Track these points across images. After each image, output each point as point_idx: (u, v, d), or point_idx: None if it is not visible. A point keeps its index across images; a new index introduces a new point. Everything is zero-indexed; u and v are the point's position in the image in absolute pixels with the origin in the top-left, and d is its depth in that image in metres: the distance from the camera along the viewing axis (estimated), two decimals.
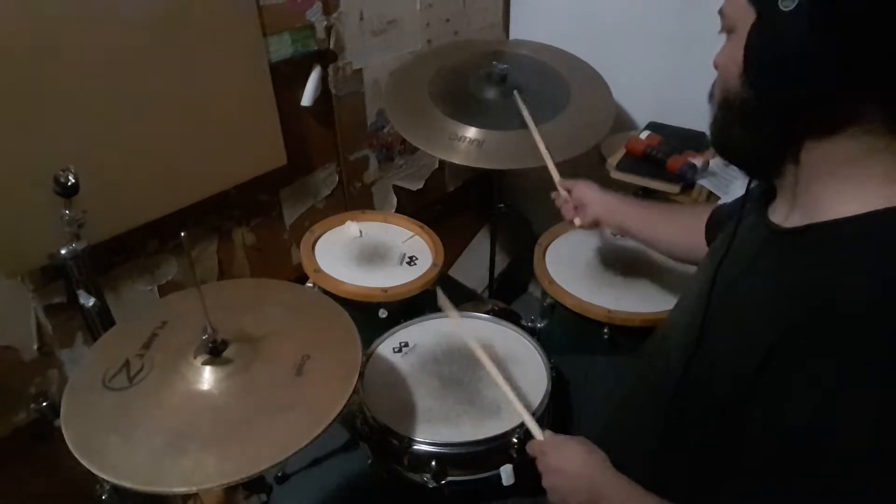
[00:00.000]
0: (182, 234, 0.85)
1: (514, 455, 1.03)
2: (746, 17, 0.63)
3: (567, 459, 0.86)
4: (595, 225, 1.25)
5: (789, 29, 0.58)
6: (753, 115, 0.66)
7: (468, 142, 1.47)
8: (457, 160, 1.47)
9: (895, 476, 0.53)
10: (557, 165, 1.35)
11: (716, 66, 0.70)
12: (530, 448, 0.93)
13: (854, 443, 0.55)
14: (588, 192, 1.24)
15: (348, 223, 1.58)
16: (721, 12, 0.67)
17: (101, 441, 0.81)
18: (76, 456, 0.79)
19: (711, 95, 0.73)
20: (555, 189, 1.31)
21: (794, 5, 0.57)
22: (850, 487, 0.55)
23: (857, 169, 0.62)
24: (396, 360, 1.22)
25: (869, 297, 0.56)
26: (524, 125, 1.48)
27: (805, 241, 0.65)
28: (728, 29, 0.67)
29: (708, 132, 0.76)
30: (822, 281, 0.60)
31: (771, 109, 0.64)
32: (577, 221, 1.25)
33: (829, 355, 0.56)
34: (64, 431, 0.83)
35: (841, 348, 0.56)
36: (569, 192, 1.28)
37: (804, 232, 0.65)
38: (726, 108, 0.69)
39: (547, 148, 1.38)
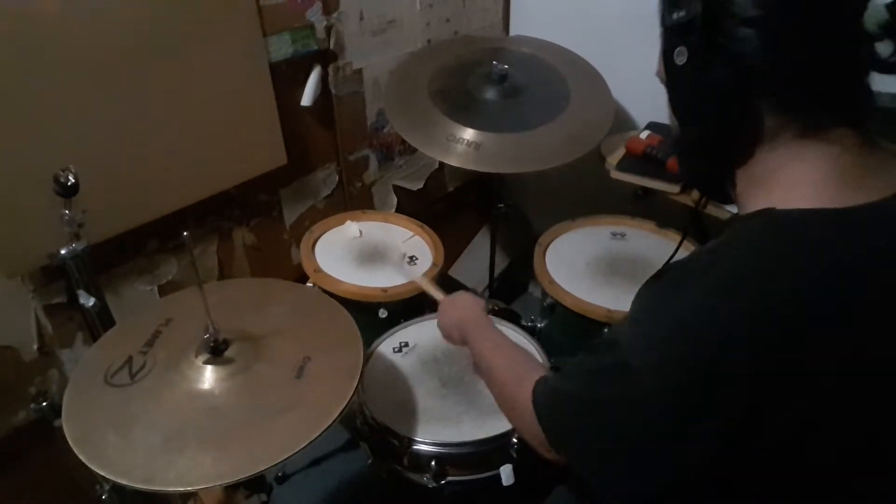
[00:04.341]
0: (185, 233, 0.85)
1: (514, 455, 1.03)
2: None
3: (453, 303, 1.11)
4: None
5: (687, 78, 0.67)
6: (689, 150, 0.76)
7: (466, 144, 1.47)
8: (454, 162, 1.47)
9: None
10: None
11: None
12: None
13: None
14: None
15: (348, 223, 1.58)
16: (657, 75, 0.75)
17: (100, 437, 0.82)
18: (74, 450, 0.79)
19: None
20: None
21: (685, 59, 0.66)
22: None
23: (767, 178, 0.66)
24: (396, 360, 1.22)
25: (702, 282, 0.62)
26: (522, 128, 1.48)
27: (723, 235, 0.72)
28: (665, 85, 0.75)
29: None
30: (696, 255, 0.67)
31: (698, 144, 0.72)
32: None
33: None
34: (64, 426, 0.83)
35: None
36: None
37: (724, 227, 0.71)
38: (675, 146, 0.80)
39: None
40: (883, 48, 0.61)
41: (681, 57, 0.66)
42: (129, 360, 0.93)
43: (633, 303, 0.68)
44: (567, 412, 0.71)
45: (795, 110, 0.63)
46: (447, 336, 1.08)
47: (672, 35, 0.67)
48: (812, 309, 0.58)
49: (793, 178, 0.64)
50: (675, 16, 0.65)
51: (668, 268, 0.67)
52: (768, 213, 0.63)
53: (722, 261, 0.63)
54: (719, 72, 0.63)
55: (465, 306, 1.08)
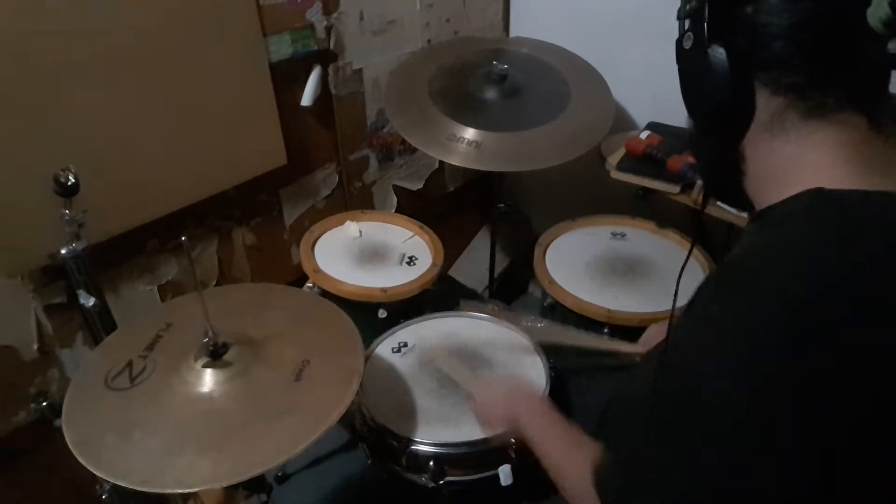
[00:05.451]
0: (183, 238, 0.85)
1: (513, 455, 1.03)
2: None
3: (498, 383, 1.03)
4: None
5: (691, 62, 0.68)
6: (701, 141, 0.76)
7: (466, 143, 1.47)
8: (455, 161, 1.47)
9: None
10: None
11: None
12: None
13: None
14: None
15: (348, 223, 1.58)
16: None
17: (99, 439, 0.82)
18: (73, 452, 0.80)
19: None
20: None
21: (691, 43, 0.67)
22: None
23: (790, 164, 0.66)
24: (395, 360, 1.22)
25: (754, 259, 0.62)
26: (522, 127, 1.48)
27: (748, 227, 0.72)
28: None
29: None
30: (736, 251, 0.66)
31: (708, 131, 0.73)
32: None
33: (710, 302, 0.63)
34: (65, 429, 0.83)
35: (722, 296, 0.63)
36: None
37: (751, 222, 0.71)
38: (691, 145, 0.80)
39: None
40: (893, 45, 0.60)
41: (688, 42, 0.68)
42: (130, 364, 0.93)
43: (690, 320, 0.64)
44: (638, 478, 0.64)
45: (795, 91, 0.64)
46: (487, 418, 1.02)
47: (683, 25, 0.69)
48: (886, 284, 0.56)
49: (810, 163, 0.64)
50: (687, 7, 0.68)
51: (722, 272, 0.65)
52: (819, 193, 0.61)
53: (784, 248, 0.61)
54: (719, 52, 0.65)
55: (511, 387, 1.01)
